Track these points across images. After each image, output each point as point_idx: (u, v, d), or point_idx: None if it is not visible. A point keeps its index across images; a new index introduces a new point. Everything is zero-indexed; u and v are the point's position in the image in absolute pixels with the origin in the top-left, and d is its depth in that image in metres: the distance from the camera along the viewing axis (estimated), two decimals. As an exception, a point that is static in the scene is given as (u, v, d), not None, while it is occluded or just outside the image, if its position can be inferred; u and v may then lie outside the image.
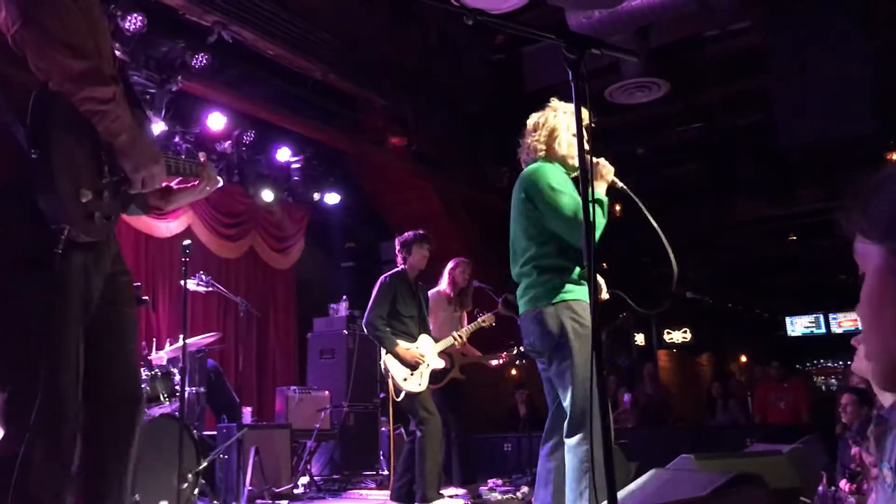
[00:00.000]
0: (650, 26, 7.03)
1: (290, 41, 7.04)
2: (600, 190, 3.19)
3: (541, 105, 3.47)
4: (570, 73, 1.97)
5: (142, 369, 5.31)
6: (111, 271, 2.00)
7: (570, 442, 3.08)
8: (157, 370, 5.32)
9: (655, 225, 2.80)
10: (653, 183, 10.82)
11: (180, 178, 2.29)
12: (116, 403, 2.00)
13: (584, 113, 2.05)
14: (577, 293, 3.17)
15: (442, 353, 5.55)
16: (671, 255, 2.71)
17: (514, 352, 6.44)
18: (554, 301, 3.15)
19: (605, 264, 3.52)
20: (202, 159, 2.32)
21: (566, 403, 3.12)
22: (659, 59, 7.51)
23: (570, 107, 3.31)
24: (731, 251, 13.85)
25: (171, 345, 5.85)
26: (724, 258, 14.21)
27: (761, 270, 15.69)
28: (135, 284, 3.28)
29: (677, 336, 16.85)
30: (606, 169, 3.22)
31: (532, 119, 3.45)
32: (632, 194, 3.03)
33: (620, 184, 3.17)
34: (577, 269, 3.18)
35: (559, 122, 3.35)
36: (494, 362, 6.49)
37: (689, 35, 7.77)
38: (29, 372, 1.71)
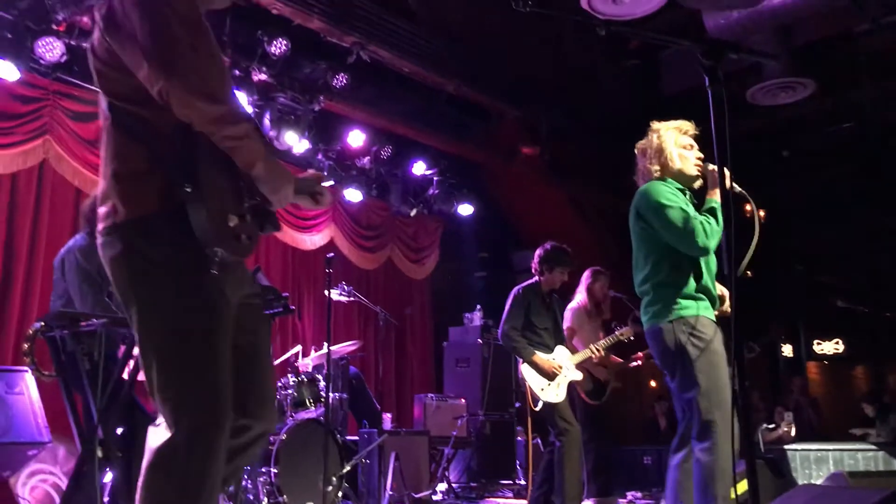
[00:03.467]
0: (794, 23, 6.72)
1: (425, 57, 7.24)
2: (718, 197, 3.26)
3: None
4: (706, 79, 1.95)
5: (289, 375, 5.59)
6: (249, 292, 2.18)
7: (696, 452, 3.17)
8: (303, 376, 5.55)
9: (757, 226, 2.83)
10: (801, 187, 10.30)
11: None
12: (271, 415, 2.20)
13: (689, 125, 2.18)
14: (693, 308, 3.23)
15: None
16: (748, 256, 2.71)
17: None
18: (670, 318, 3.22)
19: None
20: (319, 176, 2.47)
21: (691, 416, 3.20)
22: (804, 57, 7.15)
23: (671, 123, 3.47)
24: (888, 257, 12.99)
25: (315, 352, 6.11)
26: (881, 264, 13.33)
27: (924, 278, 14.58)
28: (283, 295, 3.49)
29: (828, 347, 15.90)
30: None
31: (639, 146, 3.57)
32: (748, 197, 3.04)
33: (738, 188, 3.14)
34: (692, 284, 3.25)
35: (664, 139, 3.46)
36: (633, 364, 6.37)
37: (837, 31, 7.36)
38: (195, 379, 1.94)
